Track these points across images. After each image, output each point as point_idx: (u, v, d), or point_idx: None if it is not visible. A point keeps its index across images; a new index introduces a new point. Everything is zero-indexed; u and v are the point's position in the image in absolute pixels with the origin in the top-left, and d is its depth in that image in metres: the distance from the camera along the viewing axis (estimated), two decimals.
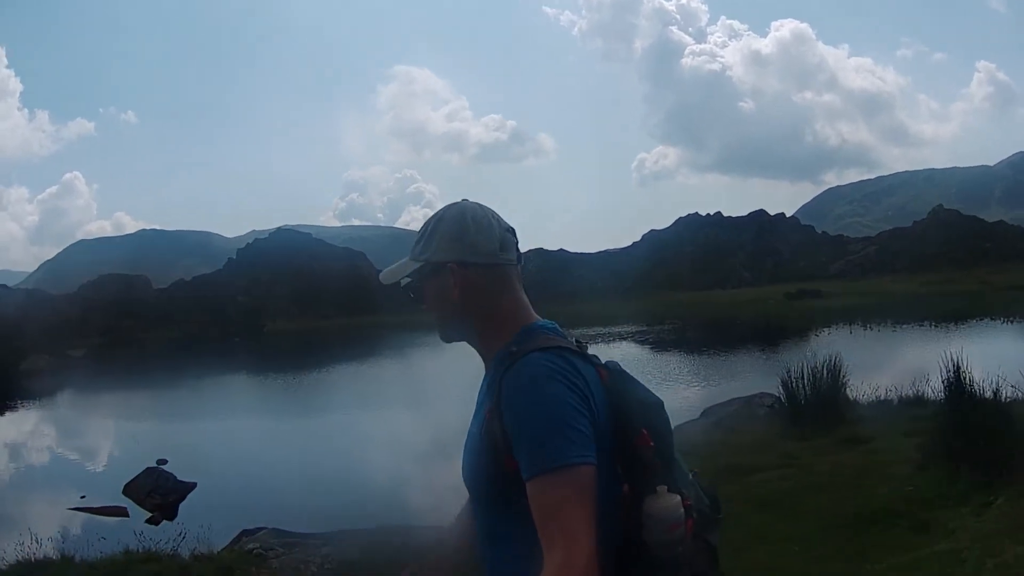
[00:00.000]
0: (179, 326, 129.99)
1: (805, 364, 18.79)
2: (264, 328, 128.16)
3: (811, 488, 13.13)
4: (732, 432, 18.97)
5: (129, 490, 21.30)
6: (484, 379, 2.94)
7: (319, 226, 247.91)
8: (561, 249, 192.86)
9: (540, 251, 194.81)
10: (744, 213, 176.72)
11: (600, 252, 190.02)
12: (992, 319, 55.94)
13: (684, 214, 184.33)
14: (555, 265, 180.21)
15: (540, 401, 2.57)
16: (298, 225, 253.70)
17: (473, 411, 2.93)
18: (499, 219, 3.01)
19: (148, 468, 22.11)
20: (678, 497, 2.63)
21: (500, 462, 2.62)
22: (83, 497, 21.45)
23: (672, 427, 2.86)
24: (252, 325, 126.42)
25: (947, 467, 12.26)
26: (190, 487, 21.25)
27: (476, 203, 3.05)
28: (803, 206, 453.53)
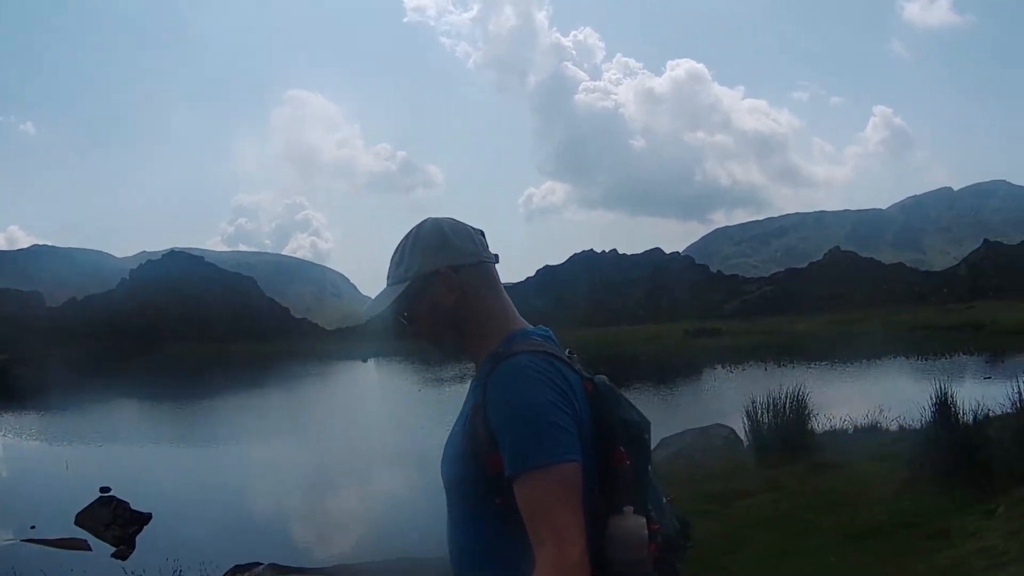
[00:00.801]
0: (77, 346, 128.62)
1: (766, 396, 19.57)
2: (161, 350, 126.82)
3: (808, 508, 13.71)
4: (696, 462, 19.38)
5: (83, 520, 20.27)
6: (472, 379, 3.01)
7: (207, 250, 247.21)
8: None
9: None
10: (636, 251, 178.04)
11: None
12: (906, 357, 57.42)
13: (574, 250, 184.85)
14: None
15: (526, 399, 2.64)
16: (188, 248, 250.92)
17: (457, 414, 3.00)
18: (470, 225, 3.12)
19: (101, 497, 21.25)
20: (643, 519, 2.68)
21: (482, 460, 2.69)
22: (33, 528, 20.11)
23: (651, 450, 2.95)
24: (150, 347, 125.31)
25: (938, 483, 13.26)
26: (146, 517, 20.35)
27: (445, 217, 3.13)
28: (691, 245, 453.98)
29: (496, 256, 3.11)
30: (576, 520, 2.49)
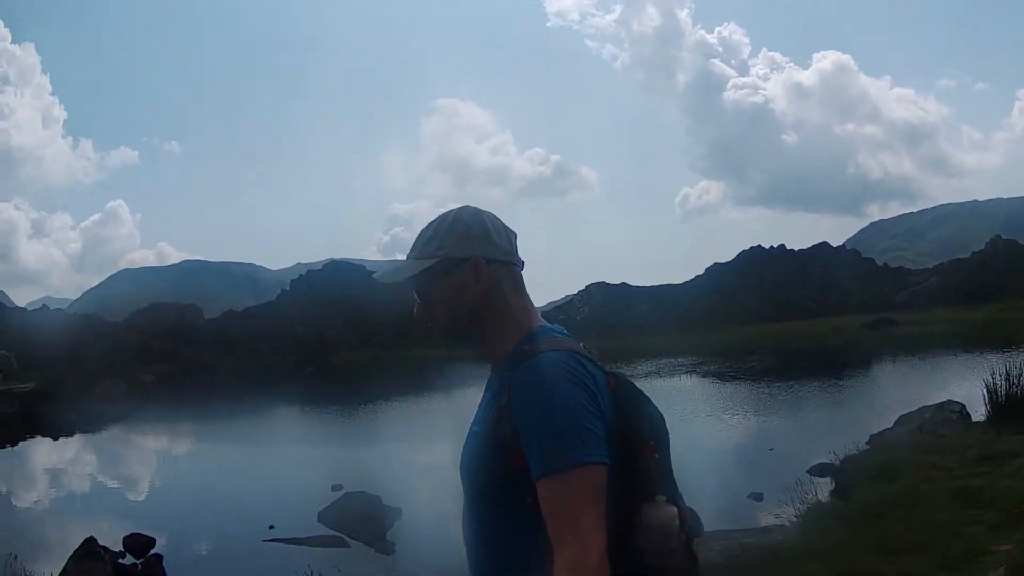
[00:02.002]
0: (243, 356, 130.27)
1: (1000, 371, 19.93)
2: (332, 358, 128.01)
3: None
4: (941, 432, 19.91)
5: (326, 517, 20.77)
6: (489, 379, 2.98)
7: (363, 260, 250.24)
8: (623, 283, 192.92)
9: (602, 284, 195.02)
10: (804, 247, 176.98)
11: (661, 286, 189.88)
12: None
13: (732, 248, 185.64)
14: (619, 299, 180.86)
15: (554, 400, 2.61)
16: (343, 259, 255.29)
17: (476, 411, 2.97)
18: (506, 225, 3.04)
19: (348, 493, 21.67)
20: (675, 508, 2.69)
21: (506, 461, 2.67)
22: (272, 528, 20.33)
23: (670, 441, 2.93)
24: (322, 355, 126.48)
25: None
26: (395, 513, 20.77)
27: (484, 209, 3.07)
28: (848, 239, 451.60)
29: (523, 263, 3.05)
30: (599, 524, 2.48)
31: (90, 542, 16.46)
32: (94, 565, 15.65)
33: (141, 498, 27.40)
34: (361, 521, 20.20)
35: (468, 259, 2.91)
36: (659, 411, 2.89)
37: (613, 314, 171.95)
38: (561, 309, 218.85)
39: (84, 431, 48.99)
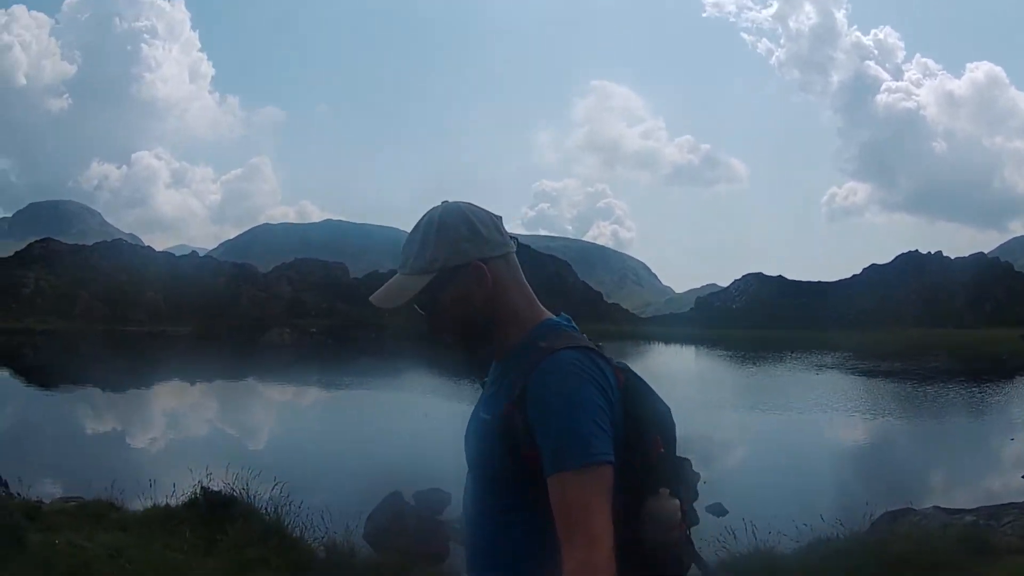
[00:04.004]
0: (391, 315, 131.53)
1: None
2: None
3: None
4: None
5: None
6: (496, 368, 2.92)
7: (509, 233, 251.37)
8: (780, 276, 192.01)
9: (759, 275, 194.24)
10: (961, 255, 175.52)
11: (816, 282, 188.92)
12: None
13: (875, 252, 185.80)
14: (775, 291, 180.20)
15: (572, 400, 2.59)
16: None
17: (481, 396, 2.96)
18: (488, 211, 2.94)
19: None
20: (677, 501, 2.68)
21: (517, 454, 2.64)
22: None
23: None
24: None
25: None
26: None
27: (461, 201, 2.95)
28: (991, 251, 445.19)
29: (516, 240, 2.95)
30: (607, 523, 2.49)
31: (396, 496, 17.10)
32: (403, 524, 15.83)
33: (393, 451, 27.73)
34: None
35: (466, 265, 2.82)
36: (666, 405, 2.88)
37: (769, 306, 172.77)
38: (716, 296, 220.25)
39: (272, 378, 50.16)
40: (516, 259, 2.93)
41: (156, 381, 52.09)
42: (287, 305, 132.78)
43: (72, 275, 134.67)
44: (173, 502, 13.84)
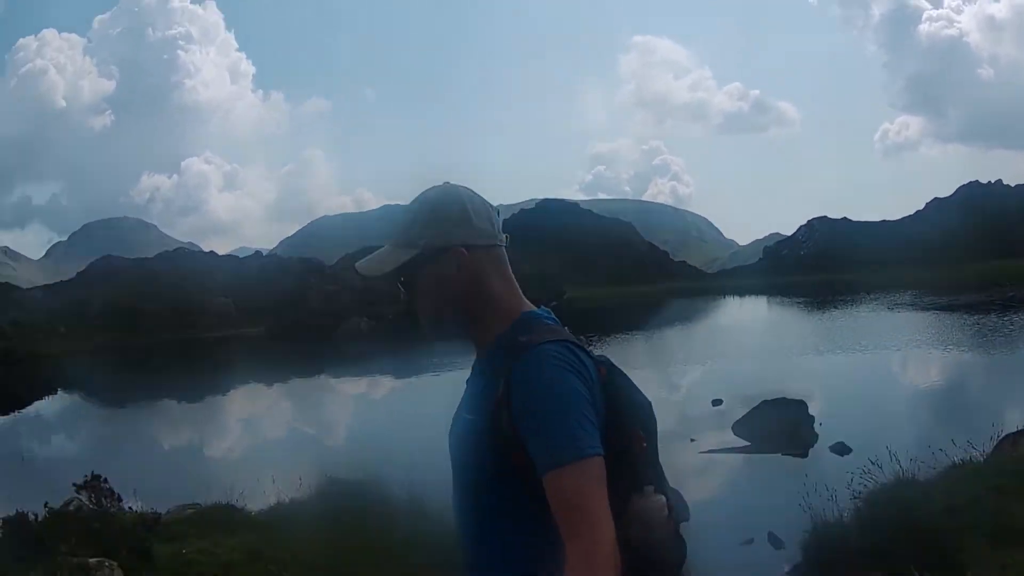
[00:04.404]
0: None
1: None
2: (564, 295, 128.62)
3: None
4: None
5: (743, 428, 22.71)
6: (478, 363, 2.90)
7: (566, 199, 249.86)
8: (844, 218, 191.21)
9: (824, 219, 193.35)
10: (1020, 182, 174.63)
11: (881, 221, 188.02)
12: None
13: (934, 186, 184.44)
14: (842, 234, 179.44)
15: (557, 394, 2.57)
16: (540, 200, 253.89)
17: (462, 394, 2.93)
18: (486, 201, 2.96)
19: (766, 401, 23.10)
20: (663, 498, 2.69)
21: (505, 452, 2.61)
22: (693, 440, 22.23)
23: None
24: (555, 293, 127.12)
25: None
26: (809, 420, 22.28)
27: (462, 185, 2.97)
28: None
29: (507, 238, 2.95)
30: (606, 513, 2.47)
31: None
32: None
33: None
34: (779, 432, 21.73)
35: (449, 248, 2.82)
36: (647, 399, 2.86)
37: (837, 249, 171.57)
38: (783, 244, 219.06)
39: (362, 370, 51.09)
40: (504, 254, 2.93)
41: (243, 384, 53.07)
42: (358, 295, 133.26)
43: (137, 289, 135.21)
44: (298, 497, 14.39)
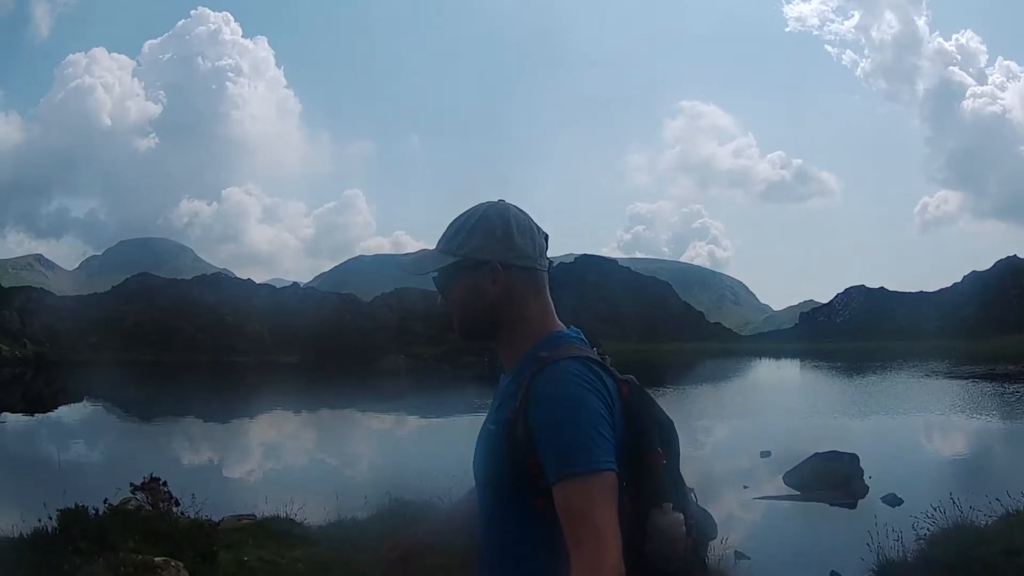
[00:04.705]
0: None
1: None
2: (601, 349, 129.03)
3: None
4: None
5: (793, 478, 23.23)
6: (504, 379, 2.95)
7: (600, 256, 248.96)
8: (882, 287, 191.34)
9: (861, 288, 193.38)
10: None
11: (919, 292, 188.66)
12: None
13: (969, 260, 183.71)
14: (879, 303, 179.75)
15: (572, 407, 2.60)
16: (579, 255, 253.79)
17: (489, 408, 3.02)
18: (537, 224, 3.00)
19: (817, 454, 23.83)
20: (682, 515, 2.68)
21: (521, 463, 2.66)
22: (746, 487, 22.87)
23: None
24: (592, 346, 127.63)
25: None
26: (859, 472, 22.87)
27: (515, 206, 3.02)
28: None
29: (550, 262, 3.02)
30: (614, 526, 2.50)
31: None
32: None
33: None
34: (831, 482, 22.39)
35: (487, 262, 2.88)
36: (669, 418, 2.88)
37: (873, 317, 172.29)
38: (820, 311, 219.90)
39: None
40: (545, 277, 2.97)
41: (284, 408, 53.80)
42: (394, 333, 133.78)
43: (171, 308, 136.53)
44: (359, 516, 14.59)
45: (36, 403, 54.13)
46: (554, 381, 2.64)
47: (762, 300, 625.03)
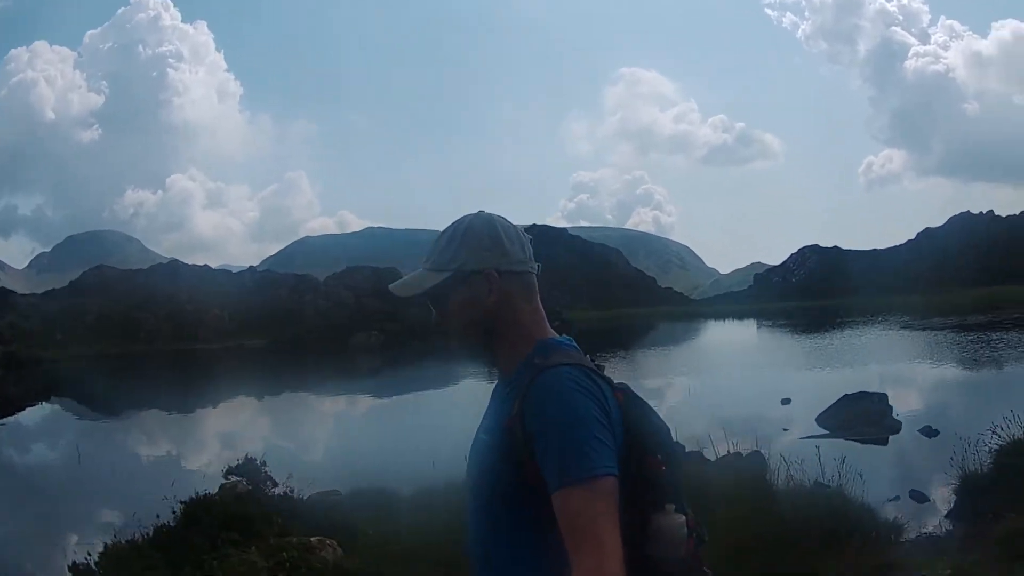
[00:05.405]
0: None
1: None
2: (563, 317, 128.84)
3: None
4: None
5: (827, 419, 24.55)
6: (498, 387, 2.98)
7: (548, 226, 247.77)
8: (835, 246, 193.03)
9: (815, 248, 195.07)
10: (1012, 212, 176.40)
11: (871, 250, 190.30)
12: None
13: (918, 218, 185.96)
14: (832, 262, 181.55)
15: (570, 413, 2.60)
16: (528, 226, 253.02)
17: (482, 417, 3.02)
18: (520, 229, 3.04)
19: (845, 395, 25.23)
20: (683, 517, 2.72)
21: (518, 470, 2.66)
22: (786, 430, 24.19)
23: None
24: (553, 314, 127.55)
25: None
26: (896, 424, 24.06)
27: (496, 214, 3.03)
28: None
29: (539, 266, 3.04)
30: (615, 533, 2.50)
31: None
32: None
33: None
34: (864, 420, 23.70)
35: (481, 271, 2.89)
36: (665, 423, 2.89)
37: (829, 276, 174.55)
38: (774, 271, 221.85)
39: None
40: (535, 281, 3.00)
41: (290, 391, 53.95)
42: (351, 311, 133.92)
43: (130, 299, 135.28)
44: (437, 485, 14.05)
45: (24, 403, 53.69)
46: (551, 387, 2.66)
47: (709, 264, 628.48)
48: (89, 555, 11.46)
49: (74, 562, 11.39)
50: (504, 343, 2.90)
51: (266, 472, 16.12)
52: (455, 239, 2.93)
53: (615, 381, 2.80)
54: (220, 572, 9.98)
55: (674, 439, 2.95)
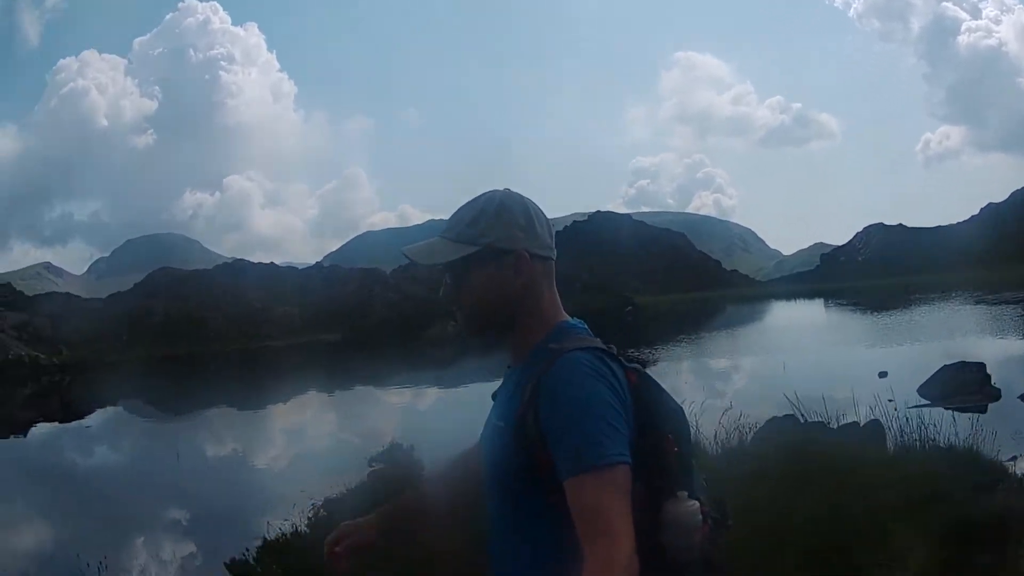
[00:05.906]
0: None
1: None
2: (632, 302, 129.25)
3: None
4: None
5: (928, 389, 25.12)
6: (512, 372, 2.94)
7: (612, 212, 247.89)
8: (900, 224, 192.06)
9: (880, 226, 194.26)
10: None
11: (936, 227, 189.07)
12: None
13: (978, 193, 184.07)
14: (898, 240, 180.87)
15: (584, 400, 2.58)
16: (591, 213, 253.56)
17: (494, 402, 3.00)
18: (544, 213, 2.99)
19: (945, 366, 26.01)
20: (696, 503, 2.68)
21: (531, 457, 2.64)
22: (891, 401, 24.42)
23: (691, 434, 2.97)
24: (623, 300, 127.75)
25: None
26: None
27: (522, 194, 2.98)
28: None
29: (555, 252, 3.00)
30: (627, 521, 2.48)
31: None
32: None
33: None
34: (966, 389, 24.48)
35: (512, 251, 2.84)
36: (679, 405, 2.87)
37: (895, 254, 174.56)
38: (840, 251, 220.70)
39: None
40: (554, 268, 2.96)
41: (386, 385, 53.41)
42: (420, 304, 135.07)
43: (197, 299, 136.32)
44: None
45: (102, 405, 54.11)
46: (565, 373, 2.64)
47: (772, 246, 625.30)
48: (247, 551, 11.64)
49: (232, 559, 11.49)
50: (520, 327, 2.90)
51: (415, 456, 15.89)
52: (487, 213, 2.88)
53: (628, 363, 2.79)
54: None
55: (689, 422, 2.99)
